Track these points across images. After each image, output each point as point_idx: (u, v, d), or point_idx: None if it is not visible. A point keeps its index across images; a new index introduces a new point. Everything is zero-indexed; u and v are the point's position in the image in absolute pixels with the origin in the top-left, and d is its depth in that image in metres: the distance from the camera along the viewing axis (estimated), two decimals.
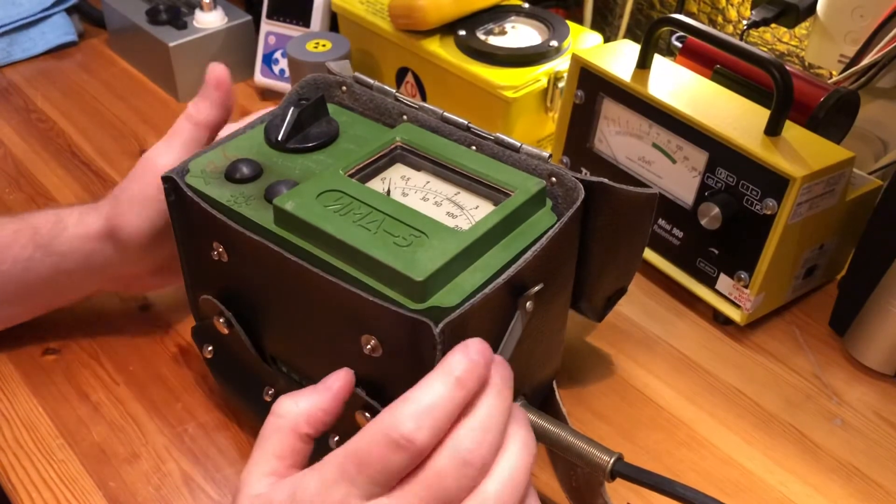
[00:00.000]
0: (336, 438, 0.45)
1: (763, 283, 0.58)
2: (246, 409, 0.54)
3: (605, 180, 0.45)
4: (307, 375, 0.48)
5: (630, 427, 0.54)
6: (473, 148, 0.48)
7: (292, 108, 0.50)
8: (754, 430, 0.55)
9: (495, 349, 0.41)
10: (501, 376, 0.37)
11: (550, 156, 0.46)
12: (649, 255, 0.65)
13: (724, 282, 0.60)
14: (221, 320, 0.49)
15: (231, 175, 0.47)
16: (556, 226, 0.43)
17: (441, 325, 0.38)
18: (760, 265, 0.57)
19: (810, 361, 0.60)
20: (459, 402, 0.35)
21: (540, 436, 0.43)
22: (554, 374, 0.51)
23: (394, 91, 0.52)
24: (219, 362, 0.53)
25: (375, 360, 0.41)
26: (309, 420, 0.38)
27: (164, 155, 0.53)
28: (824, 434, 0.55)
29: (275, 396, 0.49)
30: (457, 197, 0.46)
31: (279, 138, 0.50)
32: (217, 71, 0.55)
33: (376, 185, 0.47)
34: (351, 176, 0.46)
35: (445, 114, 0.50)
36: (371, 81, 0.53)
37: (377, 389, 0.42)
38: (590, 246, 0.48)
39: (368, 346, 0.41)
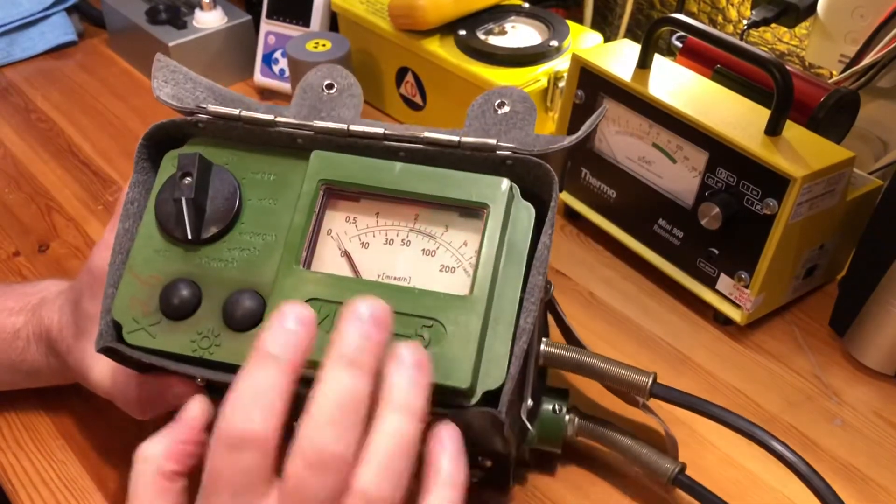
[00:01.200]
0: None
1: (763, 283, 0.58)
2: None
3: (560, 145, 0.41)
4: None
5: (630, 427, 0.54)
6: (402, 155, 0.42)
7: (184, 200, 0.40)
8: None
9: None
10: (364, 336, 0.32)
11: (497, 141, 0.40)
12: (649, 255, 0.65)
13: (724, 282, 0.60)
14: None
15: (170, 309, 0.40)
16: (547, 227, 0.39)
17: (503, 407, 0.36)
18: (761, 265, 0.57)
19: (810, 361, 0.60)
20: (282, 381, 0.32)
21: (575, 367, 0.46)
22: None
23: (272, 117, 0.42)
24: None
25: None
26: (171, 457, 0.36)
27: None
28: (824, 434, 0.55)
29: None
30: (419, 224, 0.41)
31: (189, 237, 0.41)
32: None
33: (328, 246, 0.41)
34: (306, 261, 0.40)
35: (353, 127, 0.41)
36: (236, 113, 0.42)
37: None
38: None
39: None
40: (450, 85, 0.75)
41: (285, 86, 0.85)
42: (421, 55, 0.76)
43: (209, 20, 0.86)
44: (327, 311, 0.38)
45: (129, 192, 0.43)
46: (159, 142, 0.44)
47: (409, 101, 0.82)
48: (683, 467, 0.48)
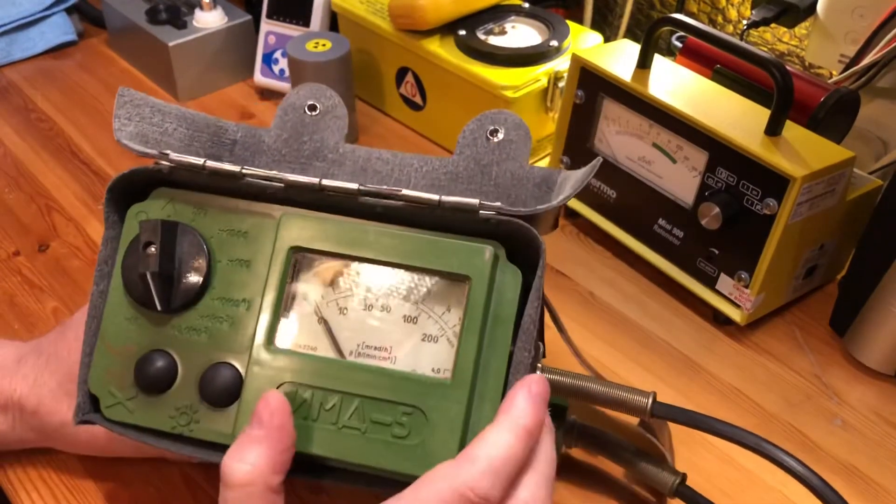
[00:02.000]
0: None
1: (763, 283, 0.58)
2: None
3: (549, 205, 0.39)
4: None
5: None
6: (379, 211, 0.39)
7: (149, 274, 0.38)
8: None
9: None
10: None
11: (480, 203, 0.38)
12: (649, 255, 0.65)
13: (724, 282, 0.60)
14: None
15: (145, 383, 0.39)
16: (533, 297, 0.37)
17: None
18: (761, 265, 0.57)
19: (810, 361, 0.60)
20: (529, 452, 0.35)
21: (575, 393, 0.45)
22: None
23: (238, 169, 0.39)
24: None
25: None
26: (277, 469, 0.34)
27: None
28: (824, 434, 0.55)
29: None
30: (398, 288, 0.39)
31: (158, 308, 0.39)
32: None
33: (304, 313, 0.39)
34: (282, 336, 0.39)
35: (325, 182, 0.39)
36: (200, 163, 0.39)
37: None
38: None
39: None
40: (450, 85, 0.75)
41: (285, 86, 0.85)
42: (421, 55, 0.76)
43: (209, 20, 0.86)
44: (304, 395, 0.37)
45: (101, 251, 0.40)
46: (124, 191, 0.41)
47: (409, 101, 0.82)
48: (684, 478, 0.48)
